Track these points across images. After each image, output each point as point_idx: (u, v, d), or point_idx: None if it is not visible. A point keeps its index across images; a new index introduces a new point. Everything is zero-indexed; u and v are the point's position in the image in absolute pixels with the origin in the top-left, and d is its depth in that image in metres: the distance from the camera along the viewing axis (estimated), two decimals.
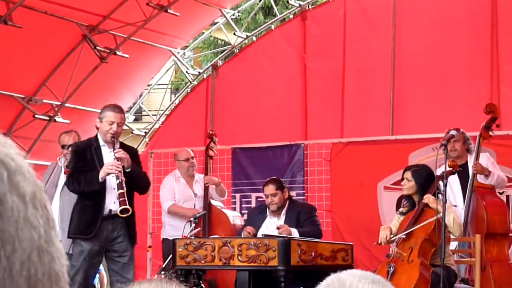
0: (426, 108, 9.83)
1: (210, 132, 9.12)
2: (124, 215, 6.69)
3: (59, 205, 7.93)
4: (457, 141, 7.72)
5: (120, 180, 6.77)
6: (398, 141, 9.62)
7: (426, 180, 6.92)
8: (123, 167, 6.86)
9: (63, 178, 7.81)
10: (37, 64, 10.82)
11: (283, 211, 7.98)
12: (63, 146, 8.07)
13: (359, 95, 10.21)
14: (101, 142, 7.08)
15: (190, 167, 8.97)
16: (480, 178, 7.56)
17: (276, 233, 7.50)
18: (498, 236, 7.21)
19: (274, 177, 8.37)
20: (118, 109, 7.15)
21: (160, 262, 8.88)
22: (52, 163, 8.41)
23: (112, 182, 6.93)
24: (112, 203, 6.88)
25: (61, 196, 7.93)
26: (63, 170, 7.89)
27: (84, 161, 7.03)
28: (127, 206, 6.67)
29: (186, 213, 8.58)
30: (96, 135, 7.16)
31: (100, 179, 6.84)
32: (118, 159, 6.84)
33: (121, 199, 6.70)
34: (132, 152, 7.25)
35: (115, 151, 6.92)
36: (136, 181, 7.02)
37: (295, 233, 7.66)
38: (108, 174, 6.84)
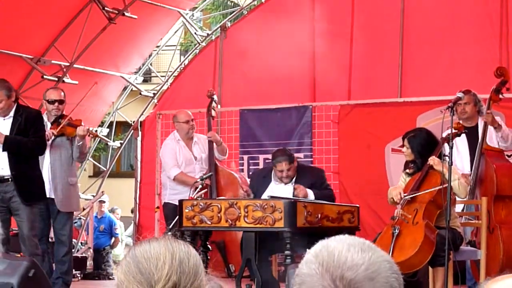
0: (434, 70, 9.78)
1: (211, 92, 8.97)
2: None
3: (49, 162, 7.95)
4: (468, 104, 7.66)
5: None
6: (406, 104, 9.60)
7: (423, 146, 6.84)
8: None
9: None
10: (45, 24, 10.80)
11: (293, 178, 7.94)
12: (49, 101, 8.03)
13: (367, 57, 10.16)
14: None
15: (190, 129, 8.91)
16: (490, 142, 7.55)
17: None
18: (507, 198, 7.23)
19: (282, 148, 8.16)
20: None
21: None
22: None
23: None
24: (0, 168, 7.43)
25: (51, 154, 7.92)
26: (48, 126, 7.92)
27: None
28: None
29: (192, 182, 8.46)
30: None
31: None
32: None
33: None
34: (31, 115, 7.64)
35: None
36: (15, 150, 7.49)
37: (311, 194, 7.65)
38: None
